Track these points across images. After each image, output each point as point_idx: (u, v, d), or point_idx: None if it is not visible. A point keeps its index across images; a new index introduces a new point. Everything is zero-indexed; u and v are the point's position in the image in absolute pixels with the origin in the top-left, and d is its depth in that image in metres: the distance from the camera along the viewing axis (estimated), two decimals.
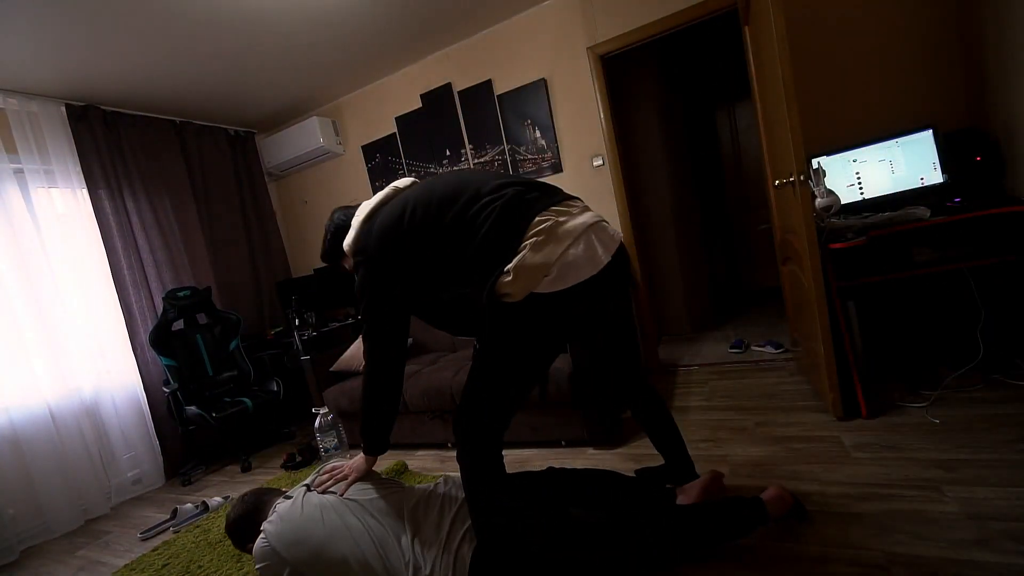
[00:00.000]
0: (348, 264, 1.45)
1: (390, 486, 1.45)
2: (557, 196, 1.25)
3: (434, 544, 1.25)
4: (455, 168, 3.39)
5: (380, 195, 1.37)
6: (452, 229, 1.21)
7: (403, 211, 1.27)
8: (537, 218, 1.16)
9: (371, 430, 1.44)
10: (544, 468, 1.62)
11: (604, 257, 1.16)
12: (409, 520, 1.31)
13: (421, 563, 1.22)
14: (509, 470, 2.07)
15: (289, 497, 1.42)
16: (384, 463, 2.50)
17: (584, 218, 1.19)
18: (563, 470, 1.62)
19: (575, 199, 1.29)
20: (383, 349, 1.36)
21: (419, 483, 2.13)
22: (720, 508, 1.32)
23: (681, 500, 1.47)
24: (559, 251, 1.12)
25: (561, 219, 1.16)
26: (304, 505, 1.35)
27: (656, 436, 1.60)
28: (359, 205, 1.40)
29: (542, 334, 1.19)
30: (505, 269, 1.13)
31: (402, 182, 1.39)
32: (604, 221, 1.26)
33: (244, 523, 1.47)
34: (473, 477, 1.26)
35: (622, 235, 1.38)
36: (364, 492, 1.40)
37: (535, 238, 1.13)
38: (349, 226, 1.39)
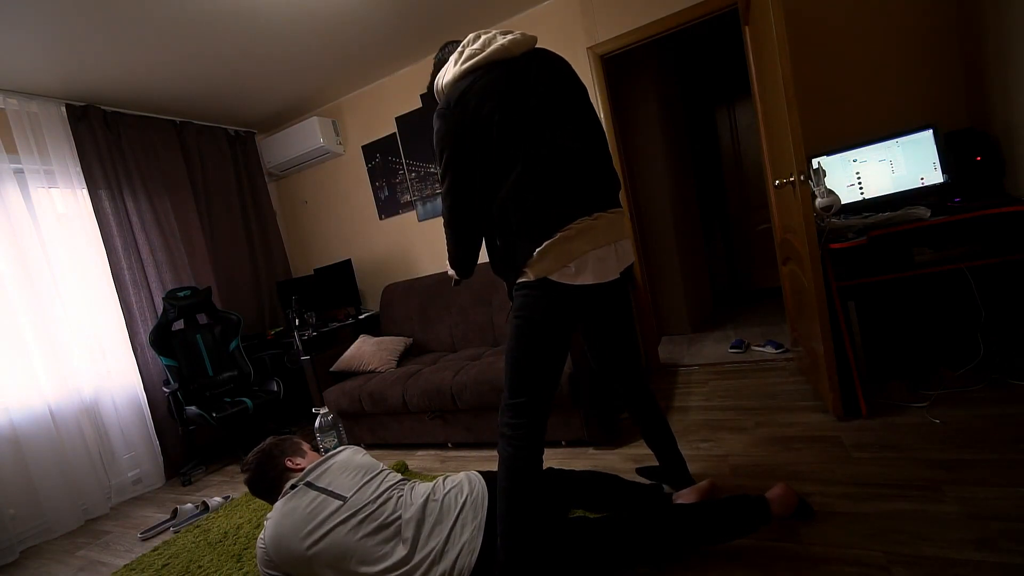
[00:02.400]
0: None
1: (388, 487, 1.44)
2: (609, 203, 1.32)
3: (429, 558, 1.26)
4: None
5: (486, 54, 1.24)
6: (515, 160, 1.20)
7: (483, 100, 1.20)
8: (584, 216, 1.24)
9: (456, 268, 1.50)
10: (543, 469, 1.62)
11: (614, 273, 1.31)
12: (407, 530, 1.31)
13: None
14: None
15: (295, 486, 1.42)
16: (384, 463, 2.50)
17: (616, 231, 1.31)
18: (562, 471, 1.62)
19: (619, 207, 1.36)
20: (459, 205, 1.29)
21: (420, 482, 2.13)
22: (723, 506, 1.32)
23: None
24: (587, 248, 1.23)
25: (600, 224, 1.26)
26: (303, 507, 1.35)
27: (651, 440, 1.61)
28: (467, 43, 1.30)
29: (547, 318, 1.26)
30: (540, 247, 1.20)
31: (500, 50, 1.24)
32: (626, 239, 1.37)
33: (260, 487, 1.52)
34: (505, 464, 1.25)
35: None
36: (362, 498, 1.39)
37: (572, 230, 1.21)
38: (444, 59, 1.37)
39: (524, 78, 1.23)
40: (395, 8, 2.67)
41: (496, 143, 1.19)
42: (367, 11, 2.64)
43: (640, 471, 1.78)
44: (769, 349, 2.82)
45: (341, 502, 1.35)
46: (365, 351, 2.96)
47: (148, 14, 2.26)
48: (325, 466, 1.47)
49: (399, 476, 1.52)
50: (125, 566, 2.03)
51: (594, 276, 1.25)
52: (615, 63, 3.02)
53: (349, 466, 1.47)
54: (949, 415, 1.75)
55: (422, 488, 1.44)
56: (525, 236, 1.22)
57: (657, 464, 1.71)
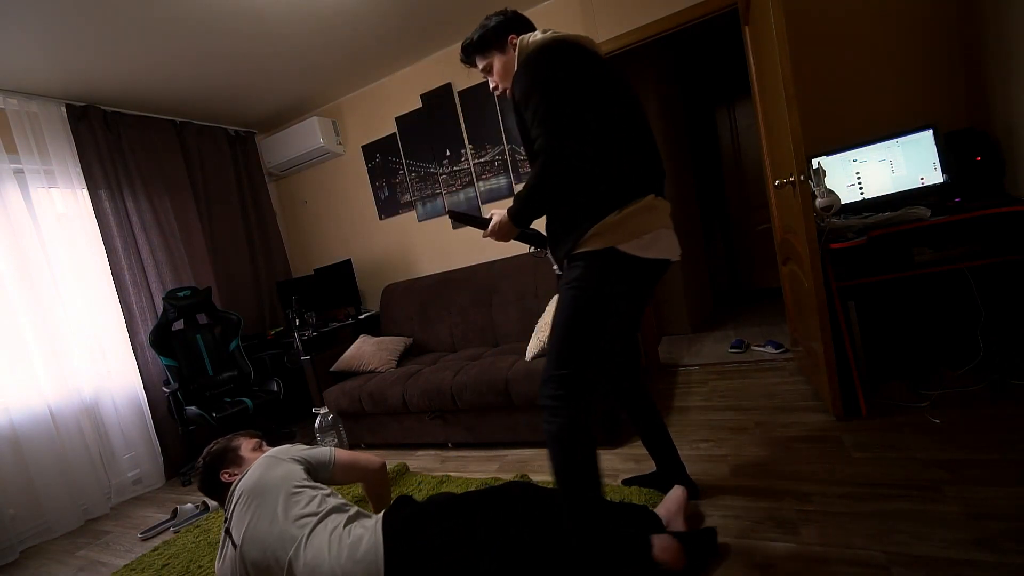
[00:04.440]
0: (499, 60, 1.39)
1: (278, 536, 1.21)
2: (662, 192, 1.33)
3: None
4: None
5: (575, 35, 1.27)
6: (609, 123, 1.21)
7: (591, 57, 1.23)
8: (654, 195, 1.25)
9: (527, 210, 1.27)
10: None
11: (677, 254, 1.31)
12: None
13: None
14: (509, 471, 2.09)
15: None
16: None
17: (670, 219, 1.33)
18: (538, 489, 1.43)
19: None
20: (570, 134, 1.15)
21: (419, 481, 2.14)
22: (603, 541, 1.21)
23: (660, 513, 1.41)
24: (658, 225, 1.24)
25: (662, 206, 1.29)
26: (220, 546, 1.27)
27: (649, 440, 1.61)
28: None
29: (610, 291, 1.22)
30: (619, 212, 1.18)
31: (583, 38, 1.28)
32: None
33: (217, 501, 1.45)
34: (555, 439, 1.18)
35: None
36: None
37: (649, 202, 1.22)
38: (526, 20, 1.39)
39: (608, 63, 1.28)
40: (395, 8, 2.67)
41: (597, 100, 1.19)
42: (367, 11, 2.64)
43: (629, 481, 1.74)
44: (769, 349, 2.82)
45: (234, 549, 1.22)
46: (365, 351, 2.96)
47: (148, 14, 2.26)
48: (236, 490, 1.31)
49: (304, 507, 1.24)
50: (125, 566, 2.03)
51: (664, 251, 1.24)
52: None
53: (247, 490, 1.28)
54: (949, 415, 1.75)
55: (317, 543, 1.17)
56: (604, 198, 1.20)
57: (645, 473, 1.72)
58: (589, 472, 1.18)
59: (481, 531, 1.20)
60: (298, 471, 1.34)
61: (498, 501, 1.30)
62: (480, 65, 1.44)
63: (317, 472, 1.41)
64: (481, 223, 1.35)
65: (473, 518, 1.23)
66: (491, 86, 1.46)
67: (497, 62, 1.40)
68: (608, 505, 1.36)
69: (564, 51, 1.20)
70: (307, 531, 1.18)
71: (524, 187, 1.22)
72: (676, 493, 1.48)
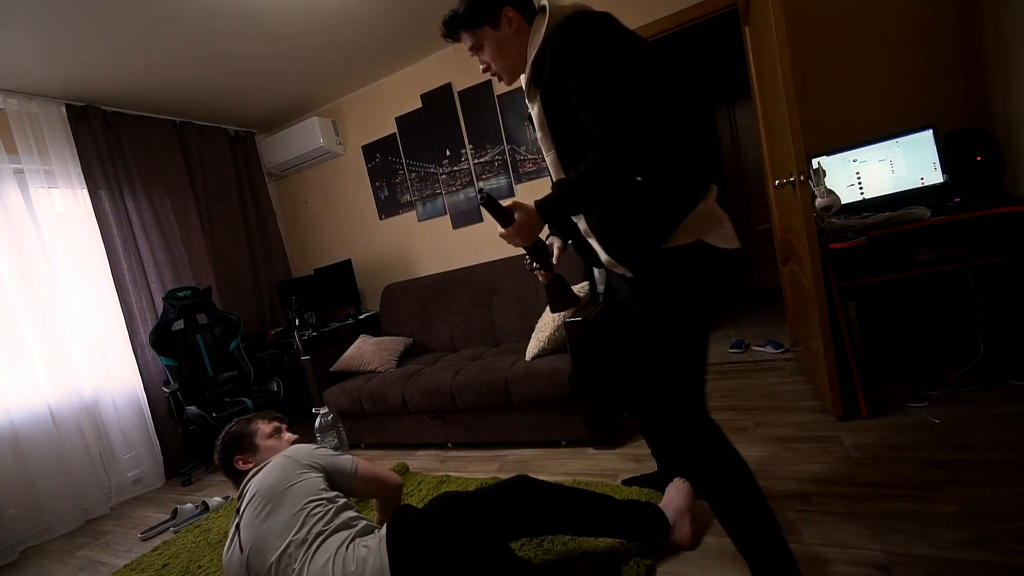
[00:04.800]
0: (492, 37, 1.17)
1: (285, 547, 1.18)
2: None
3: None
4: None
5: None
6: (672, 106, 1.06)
7: (643, 43, 1.06)
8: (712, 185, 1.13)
9: (572, 200, 1.08)
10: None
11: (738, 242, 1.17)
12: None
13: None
14: (509, 471, 2.09)
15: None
16: (384, 465, 2.50)
17: None
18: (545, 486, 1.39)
19: None
20: (646, 103, 0.97)
21: (419, 481, 2.13)
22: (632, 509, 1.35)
23: (664, 506, 1.43)
24: (725, 216, 1.13)
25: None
26: (228, 540, 1.26)
27: (654, 440, 1.61)
28: None
29: (704, 291, 1.12)
30: (702, 202, 1.06)
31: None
32: None
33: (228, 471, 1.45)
34: (703, 465, 1.12)
35: None
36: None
37: (714, 191, 1.11)
38: None
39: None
40: (395, 8, 2.67)
41: (661, 78, 1.03)
42: (367, 11, 2.64)
43: (628, 482, 1.73)
44: (769, 349, 2.81)
45: (240, 552, 1.19)
46: (365, 351, 2.96)
47: (148, 14, 2.26)
48: (252, 484, 1.29)
49: (310, 514, 1.21)
50: (125, 566, 2.03)
51: (736, 241, 1.13)
52: None
53: (262, 490, 1.24)
54: (949, 415, 1.75)
55: (321, 561, 1.13)
56: (688, 185, 1.07)
57: (647, 473, 1.71)
58: (764, 501, 1.09)
59: (481, 529, 1.19)
60: (318, 482, 1.29)
61: (498, 497, 1.28)
62: (468, 43, 1.23)
63: (335, 481, 1.36)
64: (505, 218, 1.11)
65: (471, 515, 1.22)
66: (481, 67, 1.25)
67: (490, 39, 1.18)
68: (618, 504, 1.36)
69: (617, 23, 1.03)
70: (313, 548, 1.15)
71: (577, 175, 1.02)
72: (681, 489, 1.45)
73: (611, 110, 0.96)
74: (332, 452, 1.41)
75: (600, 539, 1.45)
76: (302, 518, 1.18)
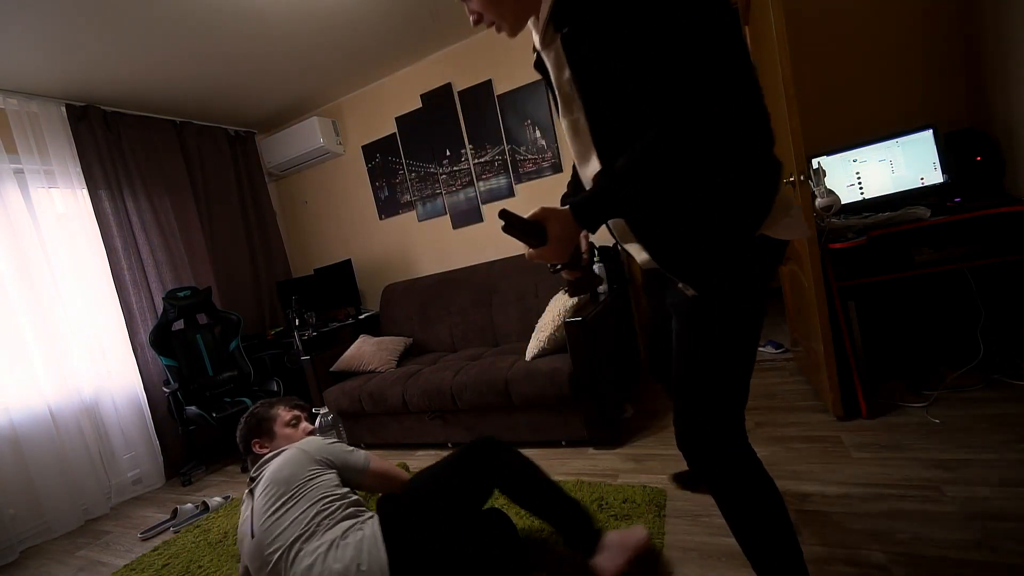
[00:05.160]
0: None
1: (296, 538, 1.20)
2: None
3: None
4: None
5: None
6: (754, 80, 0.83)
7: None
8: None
9: (629, 193, 0.81)
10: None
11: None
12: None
13: None
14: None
15: (252, 478, 1.36)
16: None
17: None
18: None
19: None
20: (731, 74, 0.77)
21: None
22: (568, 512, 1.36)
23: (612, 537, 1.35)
24: (791, 197, 0.93)
25: None
26: (239, 523, 1.31)
27: None
28: None
29: (763, 288, 0.92)
30: (781, 192, 0.87)
31: None
32: None
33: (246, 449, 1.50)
34: (735, 499, 0.97)
35: None
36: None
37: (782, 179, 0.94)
38: None
39: None
40: (395, 8, 2.67)
41: (741, 40, 0.80)
42: (367, 11, 2.64)
43: (676, 477, 1.73)
44: (769, 349, 2.81)
45: (251, 537, 1.23)
46: (365, 351, 2.96)
47: (148, 14, 2.26)
48: (267, 471, 1.32)
49: (324, 506, 1.24)
50: (125, 566, 2.03)
51: (805, 227, 0.92)
52: None
53: (277, 481, 1.27)
54: (949, 415, 1.75)
55: (344, 554, 1.14)
56: (762, 179, 0.86)
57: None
58: (793, 535, 0.96)
59: (461, 492, 1.30)
60: (332, 480, 1.31)
61: (470, 456, 1.37)
62: None
63: (346, 476, 1.38)
64: (535, 236, 0.86)
65: (450, 481, 1.32)
66: (472, 19, 0.98)
67: None
68: (565, 498, 1.38)
69: None
70: (323, 545, 1.16)
71: (631, 160, 0.78)
72: (643, 534, 1.36)
73: (694, 71, 0.74)
74: (345, 448, 1.43)
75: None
76: (312, 515, 1.21)
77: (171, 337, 3.04)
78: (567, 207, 0.84)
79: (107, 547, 2.29)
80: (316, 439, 1.45)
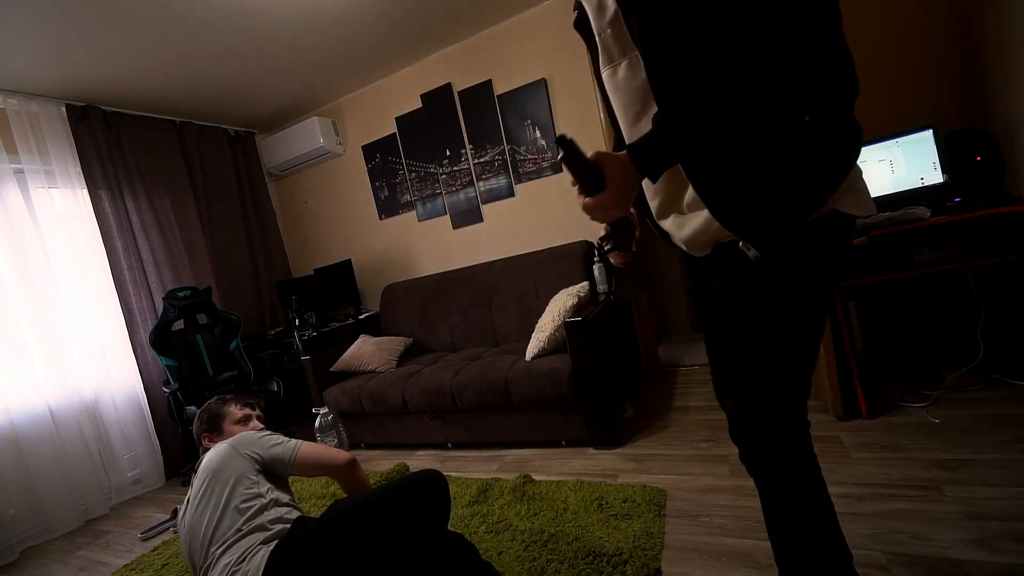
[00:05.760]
0: None
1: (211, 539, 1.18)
2: None
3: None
4: None
5: None
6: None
7: None
8: None
9: (689, 136, 0.73)
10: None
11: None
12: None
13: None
14: (509, 471, 2.09)
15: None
16: (384, 465, 2.51)
17: None
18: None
19: None
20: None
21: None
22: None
23: None
24: (860, 171, 0.83)
25: None
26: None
27: None
28: None
29: (837, 269, 0.85)
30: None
31: None
32: None
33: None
34: (788, 492, 0.85)
35: None
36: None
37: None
38: None
39: None
40: (395, 8, 2.67)
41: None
42: (367, 10, 2.64)
43: None
44: None
45: (185, 528, 1.23)
46: (365, 351, 2.96)
47: (148, 14, 2.26)
48: (200, 465, 1.31)
49: (246, 503, 1.21)
50: (125, 566, 2.03)
51: (872, 204, 0.84)
52: None
53: (202, 472, 1.26)
54: (949, 415, 1.75)
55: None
56: (845, 138, 0.78)
57: None
58: (845, 544, 0.86)
59: (371, 538, 1.10)
60: (249, 476, 1.26)
61: (412, 493, 1.20)
62: None
63: (273, 468, 1.34)
64: (593, 179, 0.76)
65: (376, 520, 1.14)
66: None
67: None
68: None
69: None
70: (224, 548, 1.13)
71: (693, 96, 0.71)
72: None
73: (783, 26, 0.71)
74: (277, 441, 1.37)
75: (605, 539, 1.46)
76: (228, 523, 1.17)
77: (171, 337, 3.04)
78: (624, 151, 0.75)
79: (107, 547, 2.29)
80: (248, 434, 1.39)
